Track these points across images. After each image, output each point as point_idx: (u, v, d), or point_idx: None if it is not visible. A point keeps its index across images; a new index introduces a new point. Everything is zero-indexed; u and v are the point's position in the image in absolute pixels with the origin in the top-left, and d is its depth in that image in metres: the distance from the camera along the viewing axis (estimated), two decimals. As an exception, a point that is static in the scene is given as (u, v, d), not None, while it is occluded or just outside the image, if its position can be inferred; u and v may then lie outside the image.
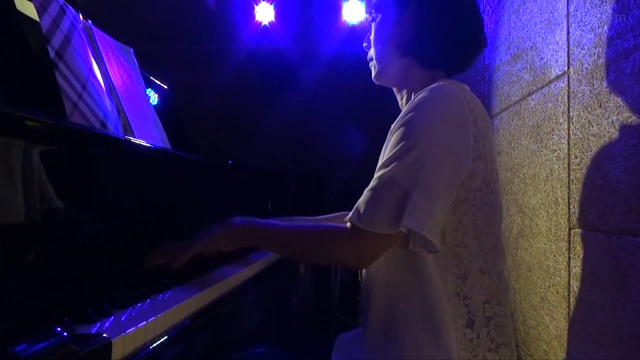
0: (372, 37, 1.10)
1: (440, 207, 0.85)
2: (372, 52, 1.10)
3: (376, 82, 1.13)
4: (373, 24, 1.09)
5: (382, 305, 0.98)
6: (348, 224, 0.89)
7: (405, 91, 1.10)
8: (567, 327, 1.14)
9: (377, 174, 0.89)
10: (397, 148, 0.87)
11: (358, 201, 0.90)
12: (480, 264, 0.92)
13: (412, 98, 1.04)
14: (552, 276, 1.23)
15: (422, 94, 0.91)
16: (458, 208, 0.90)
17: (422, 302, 0.91)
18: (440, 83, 0.94)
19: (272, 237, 1.01)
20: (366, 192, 0.88)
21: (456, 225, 0.90)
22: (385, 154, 0.92)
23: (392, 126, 1.10)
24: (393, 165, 0.86)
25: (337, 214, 1.43)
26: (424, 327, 0.90)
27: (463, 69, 1.09)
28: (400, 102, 1.13)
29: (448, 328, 0.89)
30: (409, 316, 0.92)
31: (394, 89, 1.14)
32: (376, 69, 1.10)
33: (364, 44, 1.13)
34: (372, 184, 0.89)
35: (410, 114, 0.89)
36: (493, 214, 0.94)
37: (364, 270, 1.07)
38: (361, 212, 0.87)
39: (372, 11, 1.09)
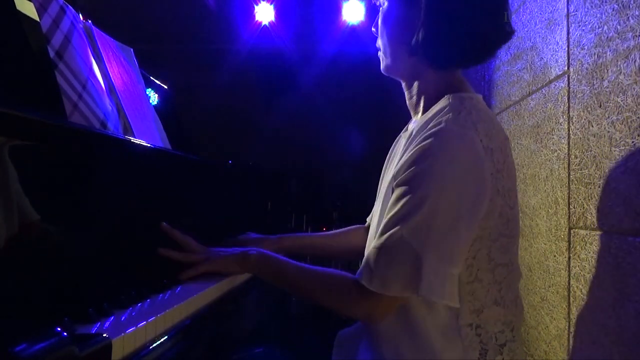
0: (379, 26, 1.00)
1: (455, 265, 0.81)
2: (379, 43, 1.01)
3: (385, 74, 1.04)
4: (381, 10, 0.99)
5: (386, 330, 0.92)
6: (358, 282, 0.85)
7: (414, 90, 1.00)
8: (567, 327, 1.14)
9: (383, 231, 0.83)
10: (402, 205, 0.82)
11: (367, 256, 0.85)
12: (495, 295, 0.86)
13: (422, 108, 0.98)
14: (552, 276, 1.23)
15: (429, 140, 0.82)
16: (472, 245, 0.84)
17: (428, 338, 0.86)
18: (451, 116, 0.83)
19: (284, 277, 1.00)
20: (375, 250, 0.84)
21: (471, 261, 0.85)
22: (388, 207, 0.86)
23: (392, 163, 1.03)
24: (401, 225, 0.81)
25: (351, 227, 1.38)
26: None
27: (483, 61, 0.97)
28: (408, 101, 1.04)
29: None
30: (415, 350, 0.88)
31: (403, 84, 1.04)
32: (384, 63, 1.01)
33: (372, 29, 1.04)
34: (379, 241, 0.83)
35: (415, 167, 0.82)
36: (509, 243, 0.89)
37: None
38: (372, 272, 0.83)
39: None
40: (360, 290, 0.85)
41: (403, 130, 1.12)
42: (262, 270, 1.02)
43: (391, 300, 0.84)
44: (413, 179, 0.82)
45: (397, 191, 0.84)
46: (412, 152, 0.84)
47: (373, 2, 1.04)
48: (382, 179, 1.13)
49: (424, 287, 0.78)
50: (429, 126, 0.86)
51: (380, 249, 0.83)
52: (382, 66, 1.03)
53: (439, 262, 0.79)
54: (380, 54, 1.03)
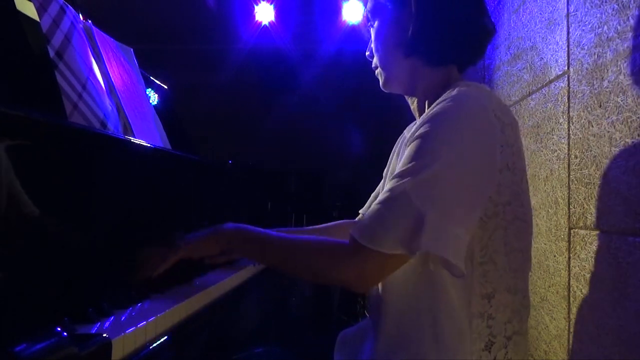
0: (372, 45, 1.03)
1: (462, 227, 0.77)
2: (376, 60, 1.04)
3: (385, 91, 1.06)
4: (372, 31, 1.03)
5: (392, 319, 0.90)
6: (349, 239, 0.81)
7: (416, 95, 1.03)
8: (567, 327, 1.14)
9: (386, 187, 0.81)
10: (411, 162, 0.79)
11: (365, 214, 0.82)
12: (508, 282, 0.84)
13: (427, 106, 0.98)
14: (552, 276, 1.23)
15: (442, 103, 0.83)
16: (487, 223, 0.82)
17: (436, 325, 0.84)
18: (463, 89, 0.85)
19: (264, 245, 0.94)
20: (374, 206, 0.80)
21: (486, 241, 0.83)
22: (397, 166, 0.84)
23: (405, 136, 1.02)
24: (406, 180, 0.78)
25: (338, 222, 1.35)
26: (436, 351, 0.84)
27: (475, 60, 1.01)
28: (412, 108, 1.06)
29: (463, 353, 0.83)
30: (421, 337, 0.86)
31: (406, 96, 1.07)
32: (383, 77, 1.03)
33: (366, 53, 1.07)
34: (380, 197, 0.80)
35: (427, 126, 0.81)
36: (524, 228, 0.87)
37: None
38: (366, 227, 0.79)
39: (369, 17, 1.03)
40: (351, 248, 0.81)
41: (407, 129, 1.11)
42: (238, 240, 0.95)
43: (383, 261, 0.79)
44: (424, 136, 0.81)
45: (409, 149, 0.82)
46: (425, 114, 0.85)
47: (364, 28, 1.07)
48: (385, 177, 1.12)
49: (425, 241, 0.74)
50: (441, 99, 0.86)
51: (380, 203, 0.80)
52: (381, 83, 1.05)
53: (441, 219, 0.75)
54: (378, 71, 1.04)
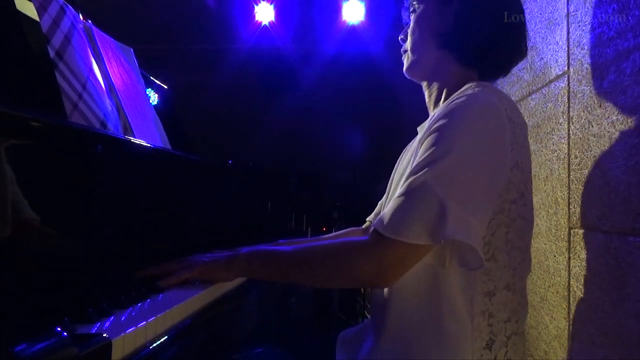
0: (409, 29, 1.06)
1: (479, 220, 0.79)
2: (407, 44, 1.07)
3: (407, 75, 1.08)
4: (412, 16, 1.06)
5: (395, 318, 0.90)
6: (370, 234, 0.82)
7: (435, 86, 1.05)
8: (567, 327, 1.14)
9: (408, 177, 0.82)
10: (428, 154, 0.81)
11: (384, 210, 0.83)
12: (508, 280, 0.86)
13: (443, 99, 1.01)
14: (552, 276, 1.23)
15: (457, 100, 0.86)
16: (492, 220, 0.84)
17: (439, 325, 0.85)
18: (477, 89, 0.88)
19: (280, 263, 0.92)
20: (394, 200, 0.81)
21: (488, 238, 0.84)
22: (414, 159, 0.85)
23: (418, 135, 1.04)
24: (425, 170, 0.79)
25: (346, 230, 1.35)
26: (438, 350, 0.85)
27: (498, 75, 1.04)
28: (427, 100, 1.08)
29: (465, 352, 0.84)
30: (423, 336, 0.87)
31: (423, 85, 1.09)
32: (409, 60, 1.06)
33: (400, 37, 1.09)
34: (400, 190, 0.81)
35: (443, 121, 0.84)
36: (526, 227, 0.89)
37: None
38: (387, 219, 0.79)
39: (414, 3, 1.05)
40: (372, 241, 0.81)
41: (419, 128, 1.12)
42: (253, 265, 0.93)
43: (405, 252, 0.79)
44: (441, 129, 0.83)
45: (425, 143, 0.84)
46: (440, 111, 0.87)
47: (408, 12, 1.09)
48: (394, 175, 1.12)
49: (451, 229, 0.75)
50: (455, 97, 0.89)
51: (402, 195, 0.80)
52: (405, 66, 1.07)
53: (463, 210, 0.77)
54: (406, 55, 1.07)
